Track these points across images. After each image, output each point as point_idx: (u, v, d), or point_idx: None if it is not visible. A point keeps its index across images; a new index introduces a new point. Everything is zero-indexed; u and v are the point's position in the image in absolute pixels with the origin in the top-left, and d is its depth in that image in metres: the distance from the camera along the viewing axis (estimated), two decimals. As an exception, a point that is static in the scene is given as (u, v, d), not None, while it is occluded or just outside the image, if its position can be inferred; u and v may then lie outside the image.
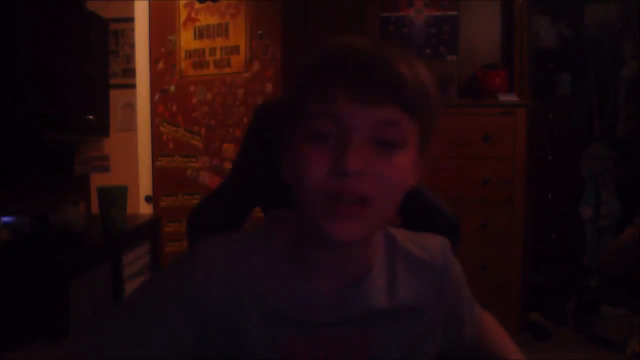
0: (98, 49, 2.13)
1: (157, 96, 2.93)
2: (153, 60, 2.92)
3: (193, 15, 2.86)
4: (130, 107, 2.84)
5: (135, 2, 2.83)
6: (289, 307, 0.60)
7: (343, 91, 0.54)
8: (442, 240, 0.72)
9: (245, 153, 1.20)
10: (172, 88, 2.91)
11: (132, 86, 2.84)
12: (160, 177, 2.95)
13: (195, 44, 2.86)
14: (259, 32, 2.74)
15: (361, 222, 0.55)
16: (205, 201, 1.25)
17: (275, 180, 1.05)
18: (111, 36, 2.56)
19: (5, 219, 1.67)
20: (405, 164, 0.57)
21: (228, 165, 2.75)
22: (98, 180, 2.22)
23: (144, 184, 2.92)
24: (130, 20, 2.81)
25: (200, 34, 2.85)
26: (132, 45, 2.83)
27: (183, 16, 2.88)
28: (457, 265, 0.72)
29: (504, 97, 2.64)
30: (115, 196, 1.83)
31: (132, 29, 2.82)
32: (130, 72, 2.84)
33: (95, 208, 1.99)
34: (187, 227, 1.27)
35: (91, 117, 2.02)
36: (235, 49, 2.79)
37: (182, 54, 2.88)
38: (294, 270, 0.62)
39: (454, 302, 0.71)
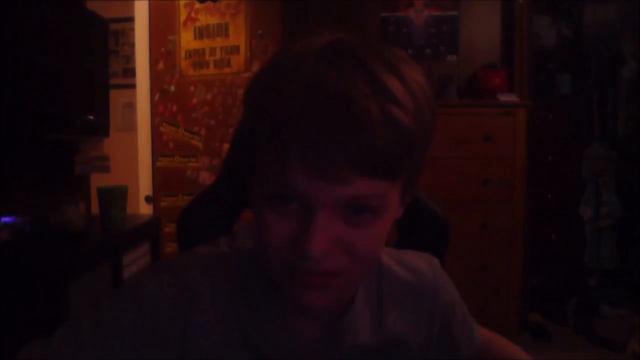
0: (98, 49, 2.13)
1: (157, 96, 2.93)
2: (153, 60, 2.92)
3: (193, 15, 2.86)
4: (130, 107, 2.84)
5: (135, 2, 2.83)
6: (272, 349, 0.55)
7: (298, 162, 0.43)
8: (429, 258, 0.67)
9: (232, 152, 1.19)
10: (172, 88, 2.91)
11: (132, 86, 2.84)
12: (160, 177, 2.95)
13: (196, 44, 2.86)
14: (259, 32, 2.74)
15: (330, 292, 0.49)
16: (195, 201, 1.23)
17: None
18: (111, 36, 2.56)
19: (5, 219, 1.67)
20: (384, 229, 0.48)
21: (228, 165, 2.75)
22: (98, 180, 2.22)
23: (144, 184, 2.92)
24: (130, 20, 2.81)
25: (200, 34, 2.85)
26: (132, 45, 2.83)
27: (183, 16, 2.88)
28: (447, 285, 0.67)
29: (504, 97, 2.64)
30: (115, 196, 1.83)
31: (132, 29, 2.82)
32: (130, 72, 2.84)
33: (95, 208, 1.98)
34: (177, 228, 1.25)
35: (91, 117, 2.02)
36: (235, 49, 2.79)
37: (182, 54, 2.88)
38: (274, 302, 0.56)
39: (446, 324, 0.65)
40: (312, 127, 0.42)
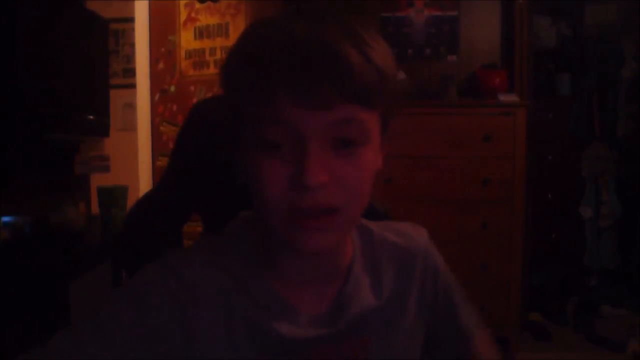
0: (98, 49, 2.13)
1: (157, 96, 2.93)
2: (153, 60, 2.92)
3: (193, 15, 2.86)
4: (130, 107, 2.83)
5: (135, 2, 2.83)
6: (276, 332, 0.56)
7: (285, 95, 0.48)
8: (416, 226, 0.71)
9: (180, 155, 1.16)
10: (172, 88, 2.91)
11: (132, 86, 2.84)
12: (160, 177, 2.95)
13: (196, 44, 2.86)
14: (259, 32, 2.74)
15: (330, 232, 0.52)
16: (138, 207, 1.16)
17: (213, 182, 1.02)
18: (111, 36, 2.56)
19: (5, 219, 1.67)
20: (370, 160, 0.53)
21: (228, 165, 2.75)
22: (98, 180, 2.22)
23: (144, 184, 2.92)
24: (130, 20, 2.81)
25: (200, 34, 2.85)
26: (132, 45, 2.83)
27: (183, 16, 2.88)
28: (438, 255, 0.70)
29: (504, 97, 2.64)
30: (115, 196, 1.83)
31: (132, 29, 2.82)
32: (131, 72, 2.84)
33: (95, 208, 1.99)
34: (125, 230, 1.19)
35: (91, 117, 2.02)
36: (235, 49, 2.79)
37: (182, 54, 2.88)
38: (275, 284, 0.58)
39: (440, 288, 0.69)
40: (295, 62, 0.47)
